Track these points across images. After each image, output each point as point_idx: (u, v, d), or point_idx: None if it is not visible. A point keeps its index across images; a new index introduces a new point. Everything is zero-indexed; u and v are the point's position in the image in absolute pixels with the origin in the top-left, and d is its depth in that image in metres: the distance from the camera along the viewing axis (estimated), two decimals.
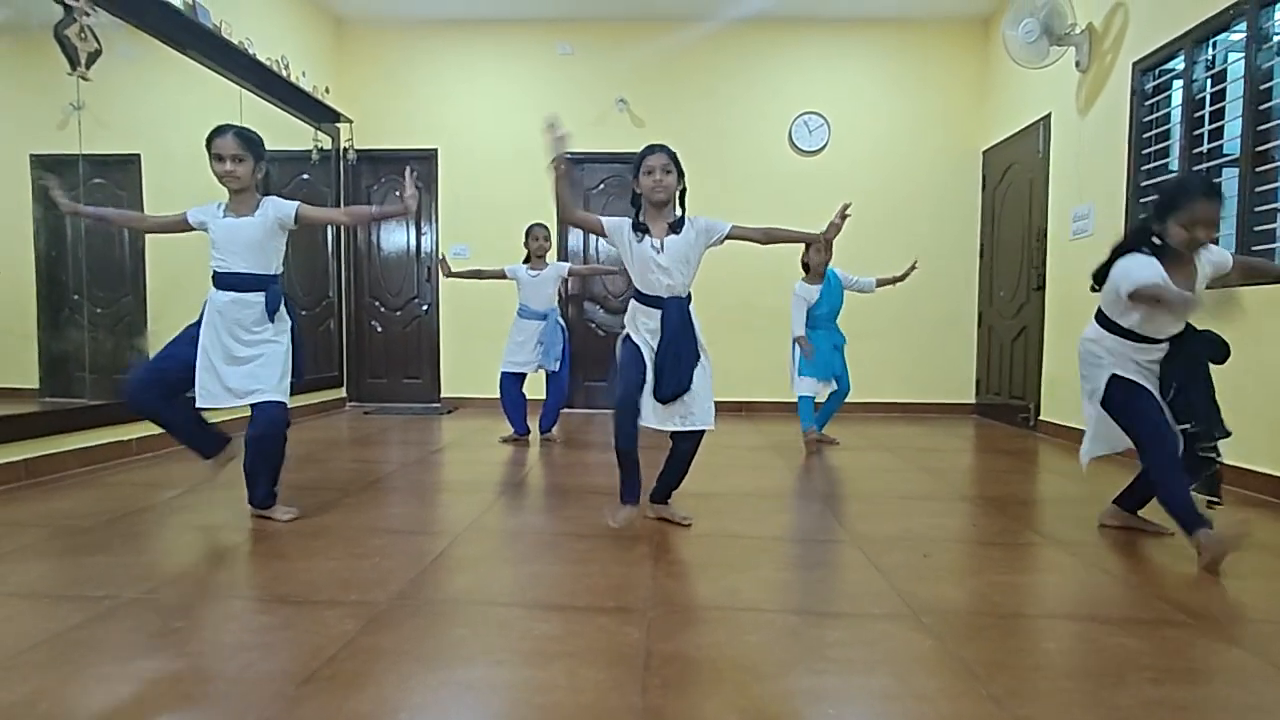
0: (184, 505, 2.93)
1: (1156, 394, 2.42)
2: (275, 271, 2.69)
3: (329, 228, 6.04)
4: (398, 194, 2.84)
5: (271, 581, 2.10)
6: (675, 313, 2.50)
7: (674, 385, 2.48)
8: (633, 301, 2.60)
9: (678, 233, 2.52)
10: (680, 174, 2.52)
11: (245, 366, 2.61)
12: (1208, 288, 2.41)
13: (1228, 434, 2.38)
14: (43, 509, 2.83)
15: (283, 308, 2.69)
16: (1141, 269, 2.30)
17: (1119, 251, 2.44)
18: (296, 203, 2.68)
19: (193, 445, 2.76)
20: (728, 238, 2.59)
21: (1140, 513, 2.66)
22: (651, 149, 2.50)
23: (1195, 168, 3.71)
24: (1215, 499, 2.43)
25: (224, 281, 2.62)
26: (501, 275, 4.47)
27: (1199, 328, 2.43)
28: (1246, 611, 1.93)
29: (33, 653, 1.60)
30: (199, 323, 2.63)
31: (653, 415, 2.52)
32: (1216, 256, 2.40)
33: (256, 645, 1.64)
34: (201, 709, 1.38)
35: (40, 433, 3.31)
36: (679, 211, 2.57)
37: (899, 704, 1.44)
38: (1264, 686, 1.52)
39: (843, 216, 2.77)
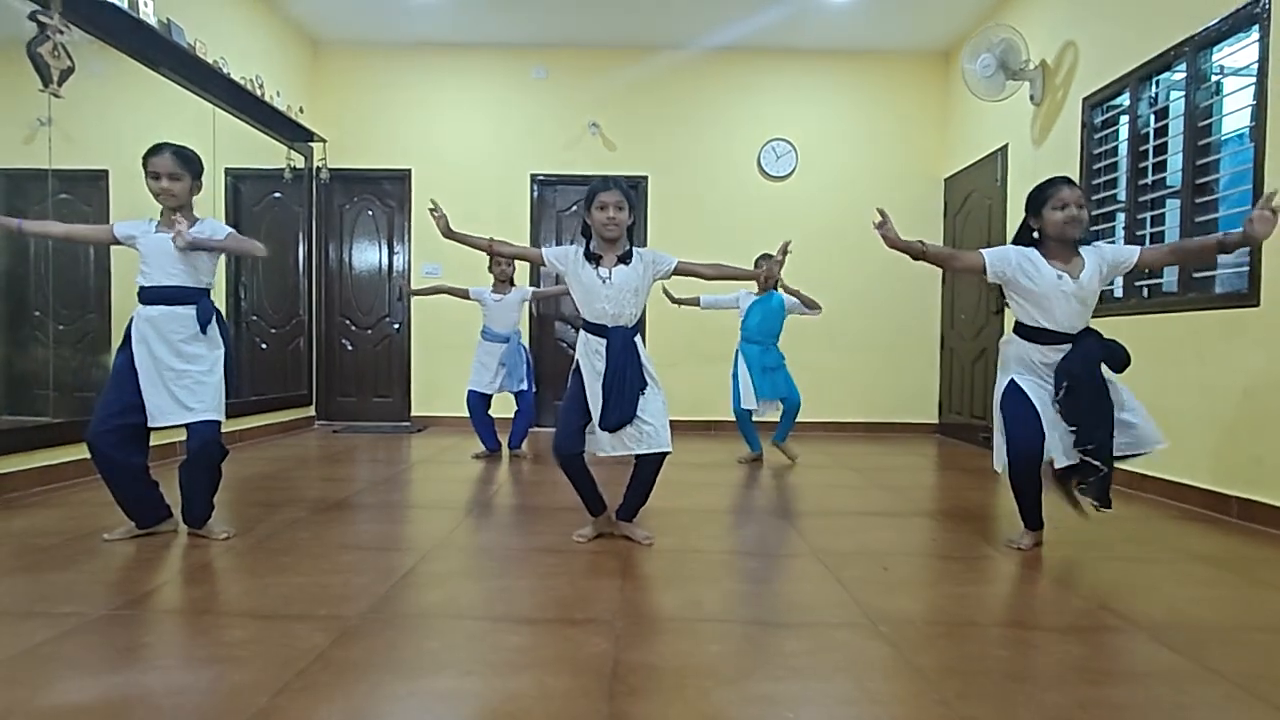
0: None
1: (1044, 403, 2.55)
2: (206, 285, 2.67)
3: (302, 244, 6.06)
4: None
5: (241, 597, 2.11)
6: (619, 342, 2.55)
7: (617, 416, 2.51)
8: (582, 331, 2.67)
9: (627, 264, 2.61)
10: (631, 209, 2.60)
11: (184, 383, 2.56)
12: (1130, 277, 2.72)
13: (1106, 444, 2.47)
14: (2, 527, 2.79)
15: (215, 324, 2.65)
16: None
17: None
18: (230, 229, 2.71)
19: (130, 509, 2.61)
20: (674, 273, 2.70)
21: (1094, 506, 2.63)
22: (605, 185, 2.57)
23: (1140, 198, 3.90)
24: (1099, 504, 2.51)
25: (152, 296, 2.57)
26: (465, 295, 4.58)
27: (1103, 336, 2.56)
28: (1181, 618, 2.03)
29: (0, 669, 1.60)
30: (126, 347, 2.57)
31: (608, 443, 2.56)
32: (1115, 251, 2.58)
33: (227, 659, 1.66)
34: None
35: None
36: (627, 245, 2.66)
37: (854, 708, 1.50)
38: (1194, 686, 1.61)
39: (783, 253, 2.95)
